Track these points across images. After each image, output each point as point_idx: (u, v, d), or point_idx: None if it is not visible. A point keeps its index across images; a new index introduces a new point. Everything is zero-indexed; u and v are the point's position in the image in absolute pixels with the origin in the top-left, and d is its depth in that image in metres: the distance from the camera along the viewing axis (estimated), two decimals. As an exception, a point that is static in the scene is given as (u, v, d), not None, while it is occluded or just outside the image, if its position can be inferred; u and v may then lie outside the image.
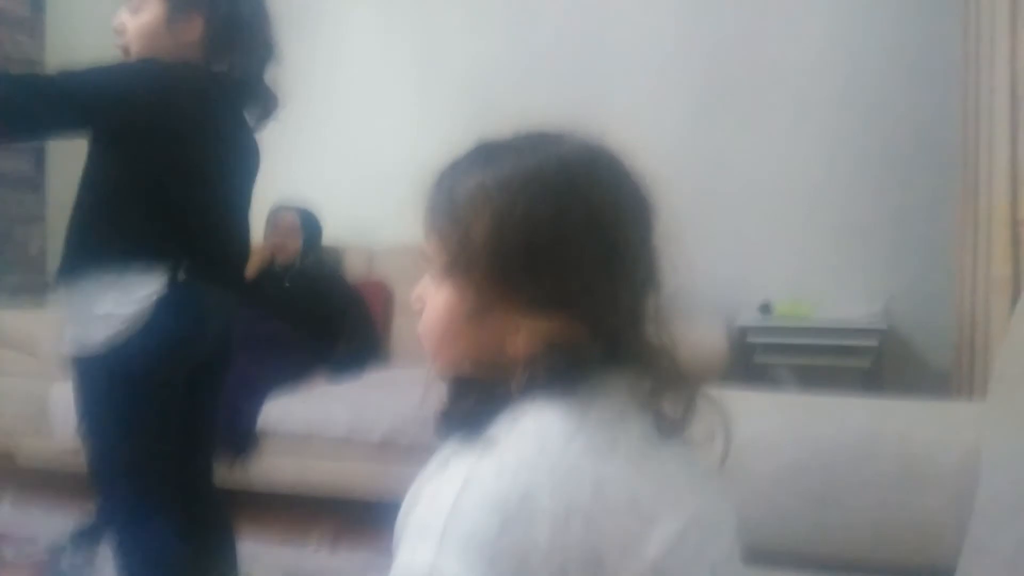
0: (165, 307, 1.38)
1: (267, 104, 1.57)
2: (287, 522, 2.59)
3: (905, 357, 2.83)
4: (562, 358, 0.64)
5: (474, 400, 0.68)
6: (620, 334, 0.66)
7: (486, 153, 0.69)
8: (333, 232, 3.18)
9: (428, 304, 0.71)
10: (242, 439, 2.55)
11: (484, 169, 0.67)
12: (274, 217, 3.08)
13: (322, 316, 2.93)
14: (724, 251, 2.84)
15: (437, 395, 0.72)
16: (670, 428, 0.67)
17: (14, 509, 2.75)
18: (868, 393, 2.53)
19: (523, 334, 0.65)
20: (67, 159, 3.65)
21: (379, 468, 2.45)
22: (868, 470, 1.34)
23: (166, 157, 1.39)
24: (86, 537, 2.44)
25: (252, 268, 3.02)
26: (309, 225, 3.11)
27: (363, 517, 2.49)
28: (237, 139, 1.56)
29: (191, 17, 1.44)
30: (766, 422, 1.41)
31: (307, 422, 2.55)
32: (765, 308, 2.78)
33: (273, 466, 2.57)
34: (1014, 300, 1.97)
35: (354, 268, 3.19)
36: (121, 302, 1.35)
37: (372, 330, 3.09)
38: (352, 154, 3.46)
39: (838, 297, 2.85)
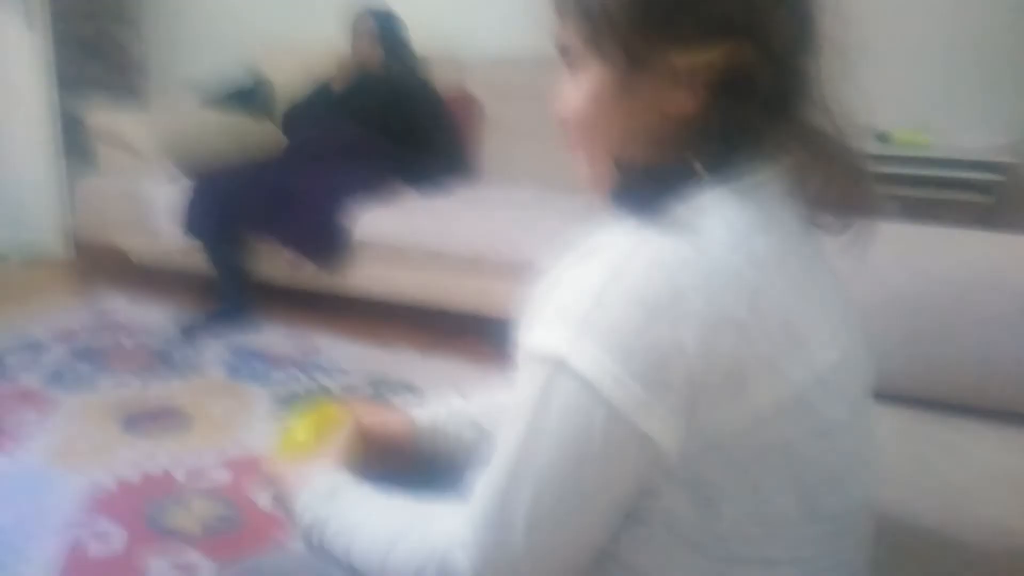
0: None
1: None
2: (379, 328, 2.70)
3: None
4: (735, 97, 0.58)
5: (635, 189, 0.63)
6: (790, 65, 0.60)
7: None
8: (423, 42, 3.06)
9: (572, 96, 0.65)
10: (330, 244, 2.61)
11: None
12: (356, 23, 2.97)
13: (407, 125, 2.88)
14: (841, 73, 2.59)
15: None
16: (830, 231, 0.64)
17: (130, 303, 2.95)
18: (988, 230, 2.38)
19: (686, 80, 0.59)
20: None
21: (468, 281, 2.48)
22: (980, 308, 1.25)
23: None
24: (194, 329, 2.61)
25: (338, 76, 2.97)
26: (391, 31, 2.98)
27: (452, 327, 2.56)
28: None
29: None
30: (874, 252, 1.33)
31: (398, 233, 2.58)
32: (882, 136, 2.58)
33: (366, 274, 2.64)
34: None
35: (444, 80, 3.08)
36: None
37: (459, 143, 3.03)
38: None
39: (961, 129, 2.61)
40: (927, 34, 2.67)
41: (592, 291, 0.55)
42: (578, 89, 0.64)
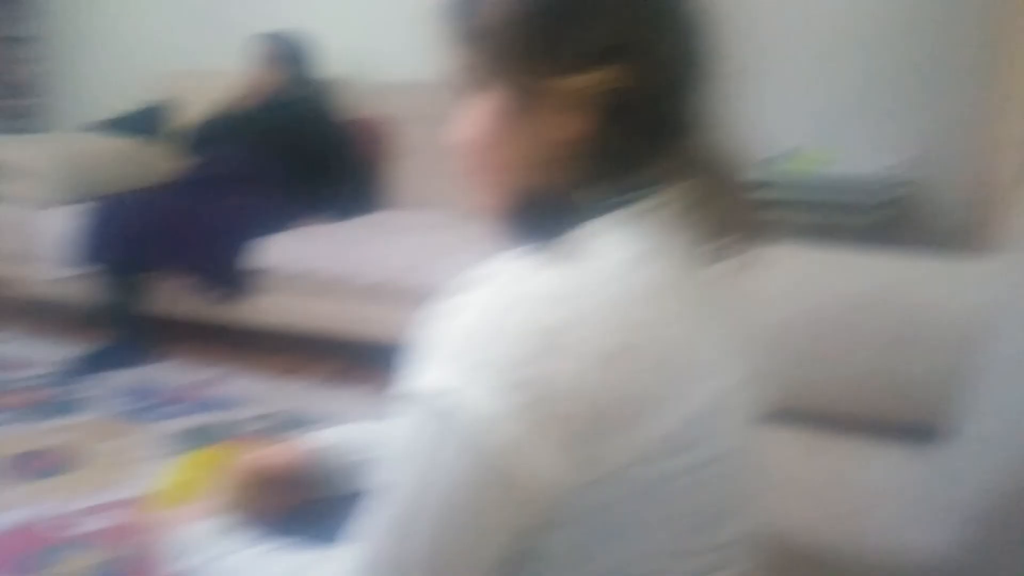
0: None
1: None
2: (283, 360, 2.61)
3: (926, 214, 2.72)
4: (625, 122, 0.58)
5: (529, 216, 0.62)
6: (681, 89, 0.60)
7: None
8: (334, 66, 3.01)
9: (466, 122, 0.64)
10: (231, 277, 2.52)
11: None
12: (258, 46, 2.89)
13: (307, 150, 2.80)
14: (740, 97, 2.66)
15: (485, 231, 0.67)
16: (722, 259, 0.63)
17: (19, 338, 2.79)
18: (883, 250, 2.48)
19: (577, 104, 0.58)
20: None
21: (374, 310, 2.42)
22: (868, 326, 1.29)
23: None
24: (86, 365, 2.48)
25: (240, 100, 2.88)
26: (295, 54, 2.92)
27: (364, 357, 2.49)
28: None
29: None
30: (774, 274, 1.35)
31: (302, 261, 2.50)
32: (781, 159, 2.66)
33: (269, 304, 2.55)
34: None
35: (356, 104, 3.03)
36: None
37: (363, 168, 2.97)
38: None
39: (857, 151, 2.70)
40: (823, 56, 2.77)
41: (481, 326, 0.54)
42: (472, 115, 0.63)
